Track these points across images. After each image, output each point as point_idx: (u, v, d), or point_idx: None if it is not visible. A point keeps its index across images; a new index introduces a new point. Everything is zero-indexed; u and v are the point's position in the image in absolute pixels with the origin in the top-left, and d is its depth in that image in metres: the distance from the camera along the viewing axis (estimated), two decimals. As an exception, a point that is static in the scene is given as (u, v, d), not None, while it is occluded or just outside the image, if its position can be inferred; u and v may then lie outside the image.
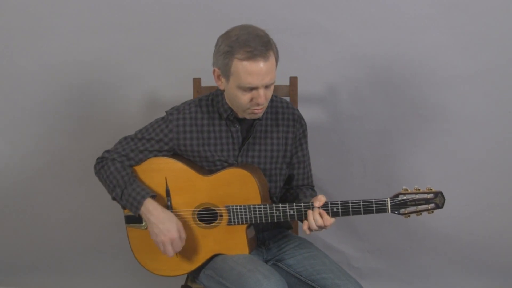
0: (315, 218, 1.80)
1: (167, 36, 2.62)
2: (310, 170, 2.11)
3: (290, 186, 2.08)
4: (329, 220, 1.80)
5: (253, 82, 1.78)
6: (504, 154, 2.58)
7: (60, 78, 2.70)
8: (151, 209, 1.87)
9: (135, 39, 2.63)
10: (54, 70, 2.69)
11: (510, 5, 2.45)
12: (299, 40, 2.54)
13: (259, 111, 1.87)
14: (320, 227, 1.81)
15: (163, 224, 1.87)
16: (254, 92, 1.81)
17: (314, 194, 2.05)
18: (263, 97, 1.81)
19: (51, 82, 2.71)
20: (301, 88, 2.35)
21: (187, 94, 2.36)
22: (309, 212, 1.81)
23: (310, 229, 1.82)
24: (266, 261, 1.99)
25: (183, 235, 1.89)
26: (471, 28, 2.47)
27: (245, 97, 1.82)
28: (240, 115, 1.94)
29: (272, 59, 1.80)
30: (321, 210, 1.80)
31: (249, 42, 1.76)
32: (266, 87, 1.82)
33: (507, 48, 2.48)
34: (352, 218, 1.85)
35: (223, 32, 1.88)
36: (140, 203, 1.87)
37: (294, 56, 2.52)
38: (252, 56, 1.76)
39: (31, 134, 2.75)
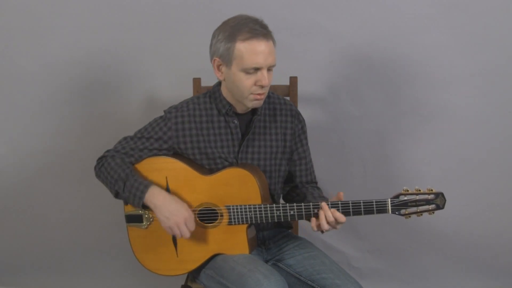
0: (327, 214, 1.77)
1: (167, 36, 2.62)
2: (312, 166, 2.11)
3: (294, 184, 2.07)
4: (341, 217, 1.76)
5: (258, 61, 1.79)
6: (504, 154, 2.58)
7: (60, 78, 2.70)
8: (156, 194, 1.86)
9: (135, 39, 2.63)
10: (54, 70, 2.69)
11: (510, 5, 2.45)
12: (299, 40, 2.54)
13: (262, 97, 1.87)
14: (331, 225, 1.78)
15: (171, 206, 1.85)
16: (258, 74, 1.82)
17: (321, 194, 2.03)
18: (267, 79, 1.82)
19: (51, 82, 2.71)
20: (301, 88, 2.35)
21: (187, 94, 2.36)
22: (321, 212, 1.79)
23: (323, 230, 1.79)
24: (266, 261, 1.99)
25: (192, 214, 1.87)
26: (471, 28, 2.48)
27: (248, 81, 1.82)
28: (239, 110, 1.95)
29: (272, 41, 1.83)
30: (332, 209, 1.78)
31: (248, 24, 1.80)
32: (268, 70, 1.83)
33: (507, 48, 2.48)
34: (353, 218, 1.85)
35: (217, 27, 1.89)
36: (143, 192, 1.86)
37: (294, 56, 2.52)
38: (254, 35, 1.79)
39: (31, 134, 2.75)
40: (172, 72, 2.65)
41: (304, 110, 2.20)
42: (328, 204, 1.79)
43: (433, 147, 2.62)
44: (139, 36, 2.63)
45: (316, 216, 1.82)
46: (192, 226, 1.87)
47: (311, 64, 2.58)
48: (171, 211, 1.85)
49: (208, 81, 2.31)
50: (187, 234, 1.86)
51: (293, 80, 2.33)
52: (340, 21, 2.55)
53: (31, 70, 2.69)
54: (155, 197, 1.86)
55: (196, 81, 2.34)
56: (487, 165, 2.60)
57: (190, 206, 1.91)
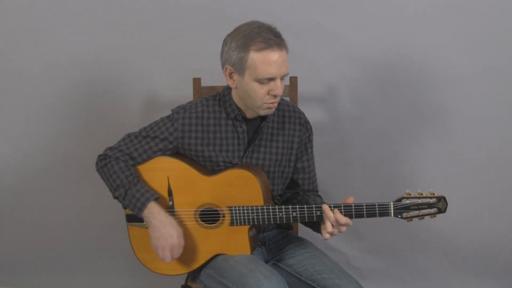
0: (329, 215, 1.75)
1: (167, 36, 2.62)
2: (315, 175, 2.09)
3: (295, 191, 2.06)
4: (342, 219, 1.75)
5: (271, 71, 1.78)
6: (504, 154, 2.59)
7: (60, 78, 2.70)
8: (155, 213, 1.86)
9: (135, 39, 2.63)
10: (54, 70, 2.69)
11: (510, 5, 2.45)
12: (299, 40, 2.54)
13: (274, 105, 1.86)
14: (335, 226, 1.76)
15: (165, 229, 1.86)
16: (271, 83, 1.81)
17: (323, 202, 1.99)
18: (280, 88, 1.81)
19: (51, 82, 2.70)
20: (301, 88, 2.35)
21: (187, 94, 2.36)
22: (324, 215, 1.78)
23: (329, 233, 1.77)
24: (266, 261, 1.99)
25: (182, 242, 1.89)
26: (471, 28, 2.48)
27: (262, 90, 1.81)
28: (248, 115, 1.94)
29: (285, 49, 1.82)
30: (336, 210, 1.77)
31: (262, 33, 1.78)
32: (281, 78, 1.82)
33: (507, 48, 2.49)
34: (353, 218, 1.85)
35: (223, 32, 1.88)
36: (144, 205, 1.86)
37: (294, 56, 2.51)
38: (268, 46, 1.77)
39: (31, 134, 2.75)
40: (172, 72, 2.65)
41: (304, 110, 2.20)
42: (330, 206, 1.78)
43: (433, 147, 2.62)
44: (139, 36, 2.63)
45: (319, 218, 1.82)
46: (177, 254, 1.88)
47: (311, 64, 2.58)
48: (163, 234, 1.86)
49: (208, 81, 2.31)
50: (168, 260, 1.88)
51: (293, 80, 2.33)
52: (340, 21, 2.55)
53: (31, 70, 2.69)
54: (152, 215, 1.87)
55: (196, 81, 2.33)
56: (487, 165, 2.60)
57: (191, 206, 1.92)
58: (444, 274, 2.74)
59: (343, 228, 1.77)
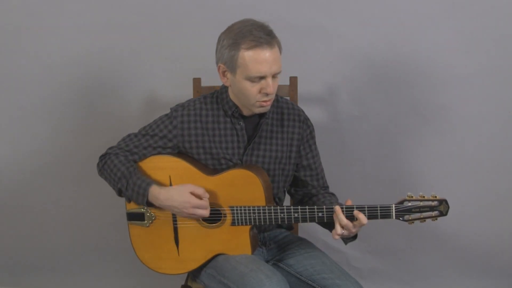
0: (340, 218, 1.75)
1: (167, 36, 2.62)
2: (322, 170, 2.09)
3: (307, 190, 2.05)
4: (344, 220, 1.75)
5: (261, 70, 1.78)
6: (504, 154, 2.58)
7: (60, 78, 2.70)
8: (156, 194, 1.85)
9: (135, 39, 2.63)
10: (54, 70, 2.69)
11: (510, 5, 2.45)
12: (299, 40, 2.54)
13: (268, 104, 1.86)
14: (345, 229, 1.77)
15: (175, 201, 1.84)
16: (262, 82, 1.81)
17: (337, 201, 2.00)
18: (272, 86, 1.81)
19: (51, 82, 2.70)
20: (301, 88, 2.35)
21: (187, 94, 2.36)
22: (334, 216, 1.78)
23: (338, 233, 1.78)
24: (267, 261, 2.00)
25: (199, 191, 1.84)
26: (471, 28, 2.48)
27: (253, 89, 1.82)
28: (245, 113, 1.94)
29: (277, 47, 1.81)
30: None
31: (252, 32, 1.78)
32: (273, 77, 1.82)
33: (507, 48, 2.48)
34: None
35: (223, 31, 1.88)
36: (146, 190, 1.86)
37: (294, 56, 2.51)
38: (258, 44, 1.77)
39: (31, 134, 2.75)
40: (172, 72, 2.64)
41: (304, 110, 2.21)
42: (342, 208, 1.77)
43: (433, 147, 2.62)
44: (139, 36, 2.63)
45: (321, 219, 1.82)
46: (204, 205, 1.84)
47: (311, 64, 2.58)
48: (178, 206, 1.84)
49: (208, 81, 2.31)
50: (205, 213, 1.84)
51: (293, 80, 2.33)
52: (340, 21, 2.55)
53: (31, 70, 2.69)
54: (156, 198, 1.86)
55: (196, 81, 2.34)
56: (487, 165, 2.60)
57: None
58: (444, 274, 2.74)
59: (355, 230, 1.77)
